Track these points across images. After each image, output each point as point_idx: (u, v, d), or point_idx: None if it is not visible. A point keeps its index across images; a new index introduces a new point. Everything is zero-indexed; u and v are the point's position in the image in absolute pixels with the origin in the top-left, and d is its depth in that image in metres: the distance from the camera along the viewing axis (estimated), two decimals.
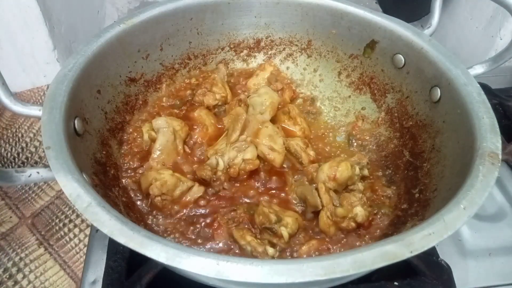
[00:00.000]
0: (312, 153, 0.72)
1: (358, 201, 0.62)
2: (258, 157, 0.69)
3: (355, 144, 0.78)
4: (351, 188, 0.66)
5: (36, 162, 0.78)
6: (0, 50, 0.82)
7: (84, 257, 0.66)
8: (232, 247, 0.60)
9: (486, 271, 0.67)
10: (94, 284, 0.64)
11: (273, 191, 0.68)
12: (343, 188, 0.66)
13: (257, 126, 0.72)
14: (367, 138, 0.78)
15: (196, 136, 0.73)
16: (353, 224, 0.61)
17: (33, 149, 0.80)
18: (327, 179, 0.64)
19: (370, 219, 0.63)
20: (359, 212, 0.61)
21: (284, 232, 0.58)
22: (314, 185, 0.65)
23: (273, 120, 0.76)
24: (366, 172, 0.69)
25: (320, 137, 0.79)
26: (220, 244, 0.60)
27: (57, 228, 0.70)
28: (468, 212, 0.45)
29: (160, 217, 0.63)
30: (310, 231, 0.62)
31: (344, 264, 0.39)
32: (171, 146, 0.69)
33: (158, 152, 0.68)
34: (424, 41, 0.69)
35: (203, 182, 0.66)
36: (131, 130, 0.73)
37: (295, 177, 0.69)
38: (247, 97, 0.78)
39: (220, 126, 0.77)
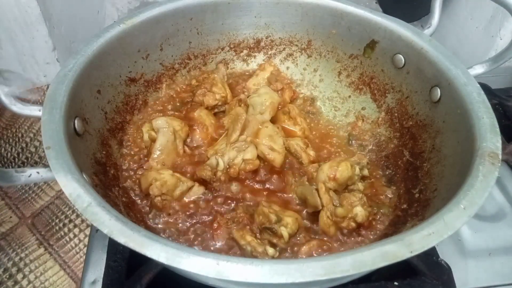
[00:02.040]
0: (312, 153, 0.72)
1: (358, 201, 0.62)
2: (258, 157, 0.69)
3: (355, 144, 0.78)
4: (351, 188, 0.66)
5: (36, 162, 0.78)
6: (0, 50, 0.82)
7: (84, 257, 0.66)
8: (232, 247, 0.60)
9: (486, 271, 0.67)
10: (94, 284, 0.63)
11: (273, 191, 0.68)
12: (343, 188, 0.66)
13: (257, 126, 0.72)
14: (367, 138, 0.78)
15: (196, 136, 0.73)
16: (353, 224, 0.61)
17: (33, 149, 0.80)
18: (327, 179, 0.64)
19: (370, 219, 0.63)
20: (359, 212, 0.61)
21: (284, 232, 0.58)
22: (314, 185, 0.65)
23: (273, 120, 0.76)
24: (366, 172, 0.69)
25: (320, 137, 0.79)
26: (220, 244, 0.60)
27: (57, 228, 0.70)
28: (468, 212, 0.45)
29: (160, 217, 0.63)
30: (310, 231, 0.62)
31: (344, 264, 0.39)
32: (171, 146, 0.69)
33: (158, 152, 0.68)
34: (424, 41, 0.69)
35: (203, 182, 0.66)
36: (131, 130, 0.73)
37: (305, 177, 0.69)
38: (247, 97, 0.78)
39: (220, 127, 0.77)
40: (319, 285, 0.47)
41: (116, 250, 0.62)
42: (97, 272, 0.65)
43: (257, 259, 0.40)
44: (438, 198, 0.57)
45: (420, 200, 0.62)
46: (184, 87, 0.82)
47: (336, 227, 0.61)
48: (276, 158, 0.69)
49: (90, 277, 0.64)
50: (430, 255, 0.63)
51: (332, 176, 0.64)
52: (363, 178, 0.69)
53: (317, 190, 0.63)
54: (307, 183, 0.67)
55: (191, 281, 0.50)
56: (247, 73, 0.87)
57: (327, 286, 0.50)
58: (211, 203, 0.65)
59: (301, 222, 0.62)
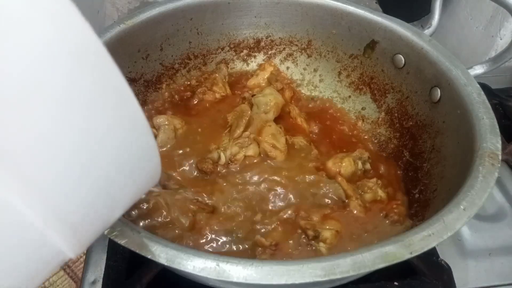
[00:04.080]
0: (315, 150, 0.73)
1: (376, 185, 0.64)
2: (259, 154, 0.69)
3: None
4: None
5: None
6: None
7: (84, 257, 0.66)
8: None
9: (486, 271, 0.67)
10: (94, 284, 0.63)
11: None
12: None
13: (260, 124, 0.72)
14: (367, 138, 0.78)
15: None
16: (382, 206, 0.63)
17: None
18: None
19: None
20: (382, 194, 0.64)
21: (323, 249, 0.57)
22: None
23: (276, 121, 0.76)
24: (368, 166, 0.70)
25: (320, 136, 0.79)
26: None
27: None
28: (468, 213, 0.45)
29: None
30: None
31: (344, 265, 0.39)
32: (172, 144, 0.70)
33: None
34: (424, 41, 0.69)
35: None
36: None
37: None
38: (251, 96, 0.78)
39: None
40: (319, 285, 0.47)
41: (116, 250, 0.62)
42: (97, 272, 0.65)
43: (257, 260, 0.40)
44: (438, 198, 0.57)
45: (420, 201, 0.62)
46: (184, 87, 0.82)
47: (367, 210, 0.63)
48: (278, 156, 0.69)
49: (90, 277, 0.64)
50: (430, 255, 0.63)
51: (336, 172, 0.66)
52: (365, 172, 0.70)
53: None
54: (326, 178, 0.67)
55: (191, 281, 0.50)
56: (247, 73, 0.87)
57: (327, 287, 0.50)
58: None
59: (342, 230, 0.60)
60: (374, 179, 0.66)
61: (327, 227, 0.59)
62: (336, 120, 0.82)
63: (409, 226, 0.60)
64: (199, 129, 0.73)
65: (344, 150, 0.75)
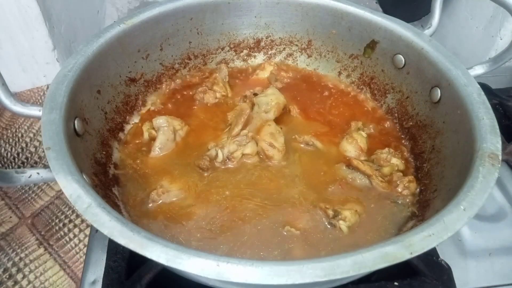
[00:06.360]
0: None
1: (389, 154, 0.67)
2: (257, 153, 0.70)
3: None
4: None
5: (36, 162, 0.78)
6: (0, 50, 0.82)
7: (84, 257, 0.66)
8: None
9: (486, 271, 0.67)
10: (94, 284, 0.64)
11: None
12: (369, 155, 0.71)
13: (260, 123, 0.72)
14: None
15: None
16: (400, 174, 0.66)
17: (33, 149, 0.80)
18: (357, 154, 0.70)
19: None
20: (397, 162, 0.67)
21: (343, 226, 0.59)
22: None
23: (277, 121, 0.76)
24: (367, 130, 0.74)
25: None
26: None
27: (57, 228, 0.70)
28: (468, 214, 0.45)
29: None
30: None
31: (344, 266, 0.39)
32: (171, 144, 0.70)
33: (157, 150, 0.68)
34: (424, 41, 0.69)
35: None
36: (131, 130, 0.73)
37: None
38: (253, 94, 0.78)
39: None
40: (319, 286, 0.47)
41: (116, 250, 0.62)
42: (97, 272, 0.65)
43: (257, 261, 0.40)
44: (438, 198, 0.57)
45: (420, 201, 0.62)
46: (184, 86, 0.82)
47: (389, 184, 0.65)
48: (275, 155, 0.69)
49: (90, 277, 0.64)
50: (430, 255, 0.63)
51: (359, 148, 0.70)
52: (371, 137, 0.74)
53: (354, 168, 0.67)
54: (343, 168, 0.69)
55: (191, 281, 0.50)
56: (247, 73, 0.87)
57: (327, 287, 0.50)
58: None
59: (362, 211, 0.63)
60: (386, 149, 0.69)
61: (347, 207, 0.62)
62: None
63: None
64: (200, 129, 0.73)
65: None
